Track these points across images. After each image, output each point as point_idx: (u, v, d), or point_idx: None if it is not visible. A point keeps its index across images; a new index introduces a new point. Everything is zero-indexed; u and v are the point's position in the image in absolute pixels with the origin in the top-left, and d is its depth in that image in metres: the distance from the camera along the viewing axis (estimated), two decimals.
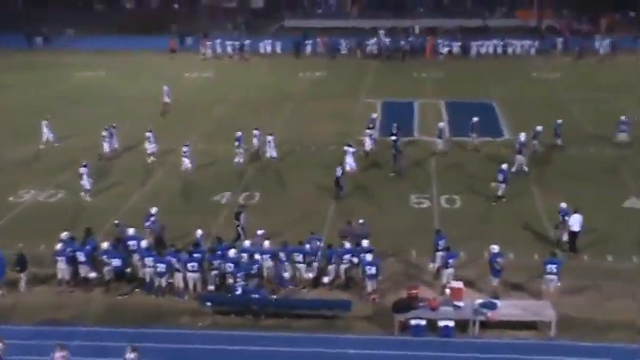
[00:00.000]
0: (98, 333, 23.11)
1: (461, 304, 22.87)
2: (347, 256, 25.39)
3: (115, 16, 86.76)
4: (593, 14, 78.88)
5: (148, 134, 38.99)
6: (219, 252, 25.70)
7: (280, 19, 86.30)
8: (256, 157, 38.76)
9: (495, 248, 24.64)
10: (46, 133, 41.28)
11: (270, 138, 38.26)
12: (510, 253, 27.15)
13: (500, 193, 32.65)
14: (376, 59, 67.12)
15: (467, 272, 25.79)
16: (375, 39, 70.18)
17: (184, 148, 37.00)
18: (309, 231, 27.20)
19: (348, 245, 25.98)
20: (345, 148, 36.57)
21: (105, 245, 26.11)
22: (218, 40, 70.47)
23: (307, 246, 25.91)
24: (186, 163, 36.84)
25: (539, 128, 38.41)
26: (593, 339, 22.35)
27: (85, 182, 33.69)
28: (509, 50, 68.57)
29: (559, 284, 24.25)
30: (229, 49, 69.58)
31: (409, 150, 38.78)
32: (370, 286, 24.80)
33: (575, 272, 26.04)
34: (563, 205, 28.38)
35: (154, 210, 28.80)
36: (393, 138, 37.51)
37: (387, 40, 70.05)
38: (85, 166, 33.97)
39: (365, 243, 25.67)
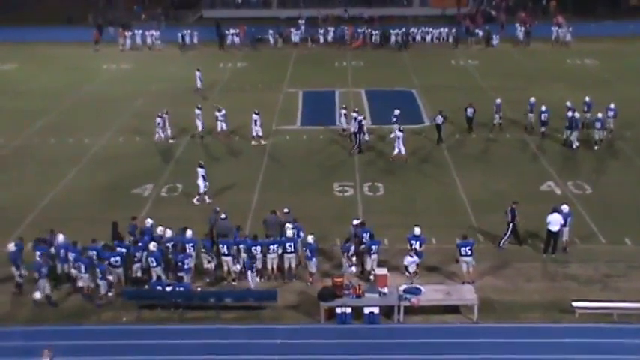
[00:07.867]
0: (22, 332, 22.65)
1: (385, 290, 23.18)
2: (273, 247, 25.39)
3: (30, 6, 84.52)
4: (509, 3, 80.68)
5: (159, 119, 39.49)
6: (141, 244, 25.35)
7: (199, 9, 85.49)
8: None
9: (416, 231, 25.14)
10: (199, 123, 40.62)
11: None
12: (433, 238, 27.67)
13: (597, 137, 37.74)
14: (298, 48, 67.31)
15: (391, 258, 26.15)
16: (297, 28, 70.26)
17: (158, 120, 38.87)
18: (235, 223, 27.01)
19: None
20: (397, 133, 36.66)
21: (29, 244, 25.41)
22: (138, 31, 69.15)
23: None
24: (160, 133, 38.96)
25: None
26: (513, 320, 22.98)
27: (201, 185, 32.05)
28: (428, 38, 69.44)
29: (474, 263, 24.92)
30: (148, 40, 68.39)
31: (335, 138, 38.88)
32: (309, 267, 25.12)
33: (494, 255, 26.82)
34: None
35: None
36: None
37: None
38: (202, 166, 32.36)
39: (289, 232, 25.67)
